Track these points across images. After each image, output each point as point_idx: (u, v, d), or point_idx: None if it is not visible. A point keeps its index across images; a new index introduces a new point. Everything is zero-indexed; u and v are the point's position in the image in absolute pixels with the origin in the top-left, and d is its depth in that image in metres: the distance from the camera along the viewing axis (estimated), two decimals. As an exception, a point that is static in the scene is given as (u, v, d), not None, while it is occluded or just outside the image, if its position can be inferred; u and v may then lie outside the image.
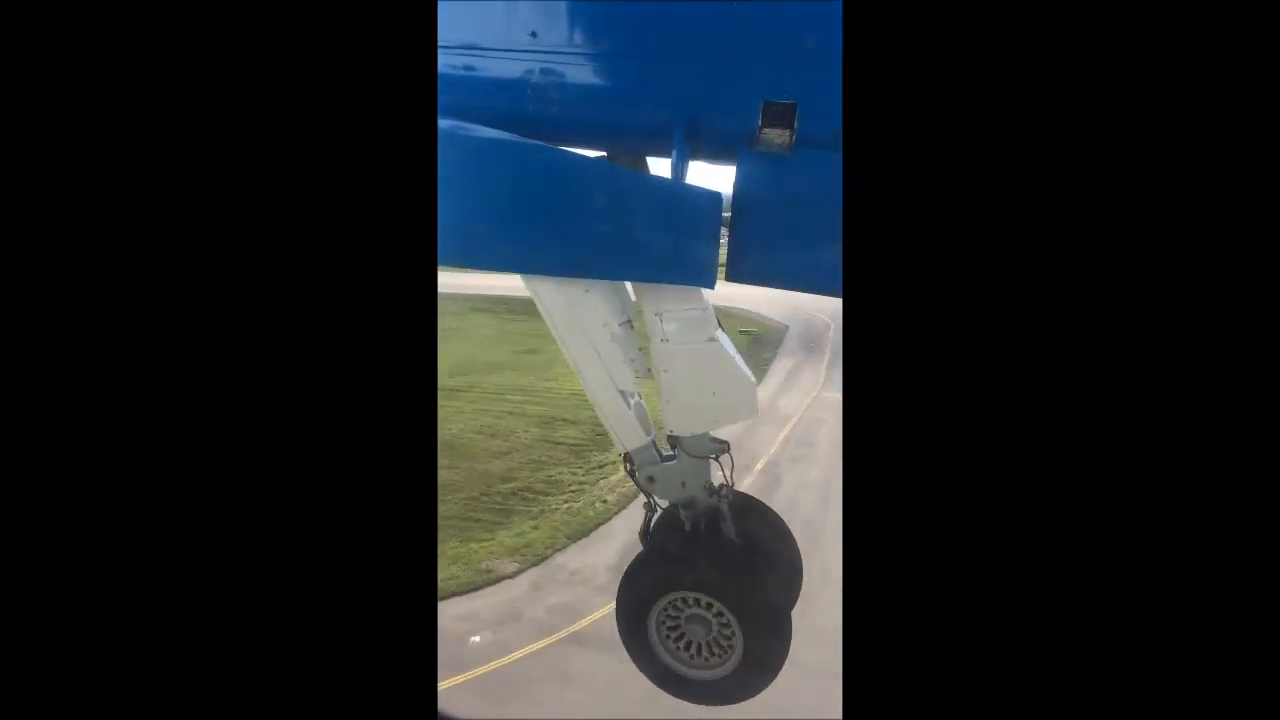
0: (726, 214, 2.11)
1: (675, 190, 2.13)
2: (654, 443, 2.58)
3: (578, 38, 2.15)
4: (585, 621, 10.37)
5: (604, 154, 2.34)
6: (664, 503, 2.73)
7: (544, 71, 2.15)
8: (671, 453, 2.58)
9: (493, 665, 9.59)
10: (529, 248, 2.21)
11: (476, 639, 10.05)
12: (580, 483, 14.81)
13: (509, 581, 11.51)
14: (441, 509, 12.17)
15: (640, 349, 2.41)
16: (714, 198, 2.09)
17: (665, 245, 2.17)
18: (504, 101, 2.19)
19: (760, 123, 2.01)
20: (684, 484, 2.55)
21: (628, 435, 2.53)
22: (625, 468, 2.62)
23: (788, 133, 2.00)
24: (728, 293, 2.52)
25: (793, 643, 2.44)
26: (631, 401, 2.53)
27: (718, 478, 2.60)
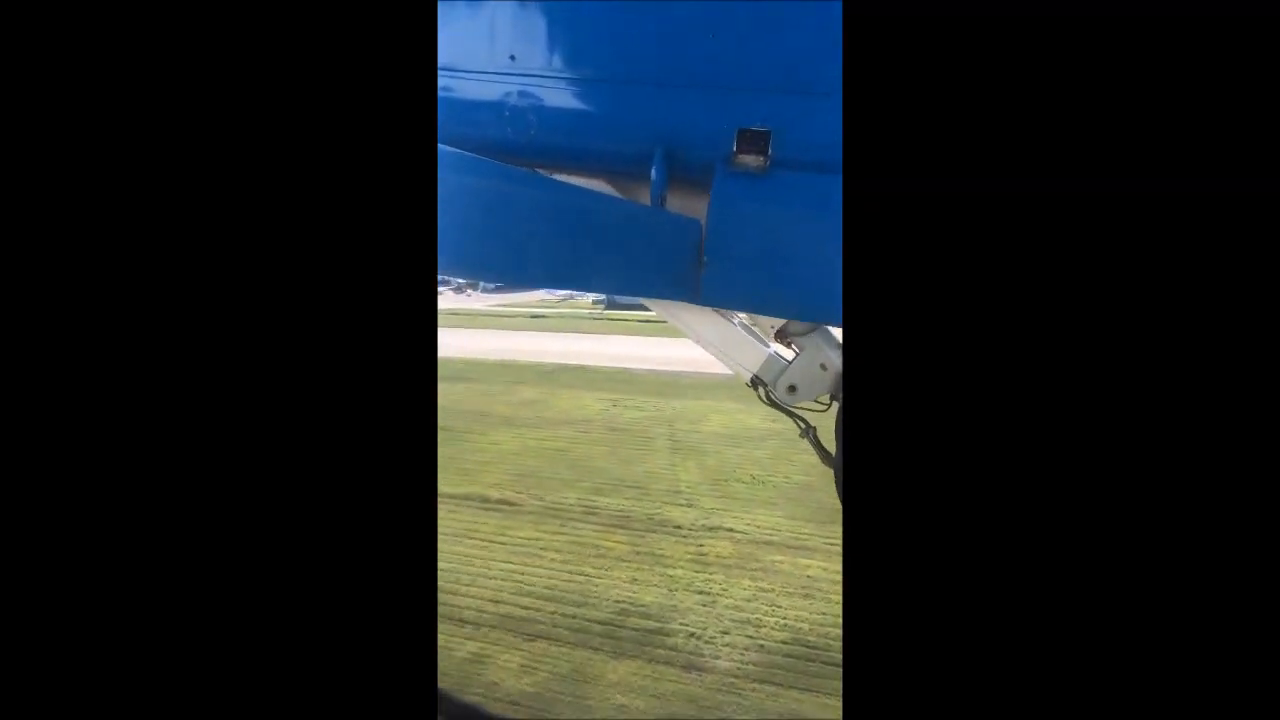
0: None
1: (653, 217, 2.14)
2: (776, 353, 2.45)
3: (556, 62, 2.12)
4: None
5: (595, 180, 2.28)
6: (810, 412, 2.54)
7: (522, 95, 2.14)
8: (792, 353, 2.42)
9: None
10: (509, 263, 2.26)
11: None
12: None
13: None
14: None
15: None
16: (692, 224, 2.09)
17: (645, 267, 2.20)
18: (481, 124, 2.16)
19: (735, 149, 2.01)
20: (824, 365, 2.38)
21: (748, 356, 2.40)
22: (761, 396, 2.44)
23: (762, 159, 2.01)
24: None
25: None
26: (735, 321, 2.45)
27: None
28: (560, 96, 2.19)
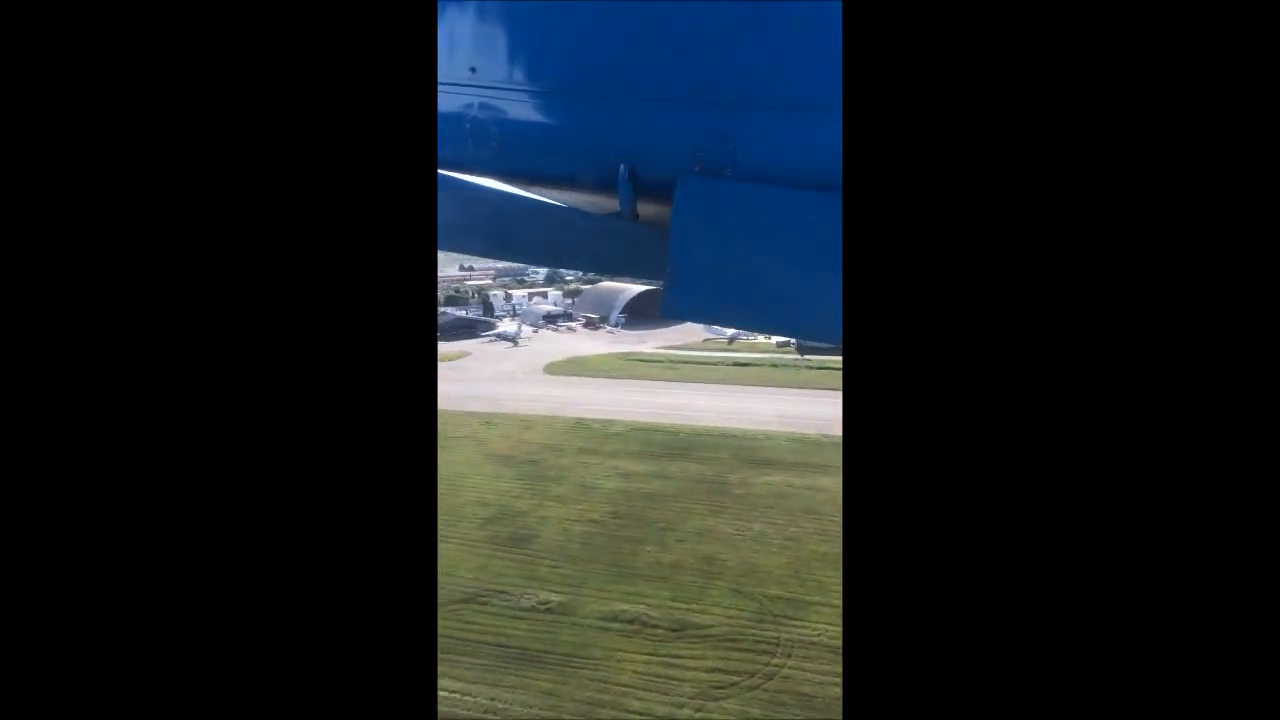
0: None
1: (624, 228, 2.23)
2: None
3: (517, 75, 2.11)
4: None
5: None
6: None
7: (483, 107, 2.11)
8: None
9: None
10: (500, 247, 2.65)
11: None
12: None
13: None
14: None
15: None
16: (656, 233, 2.13)
17: (622, 264, 2.49)
18: (442, 137, 2.06)
19: (695, 163, 1.98)
20: None
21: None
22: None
23: (723, 173, 1.99)
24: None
25: None
26: None
27: None
28: (522, 110, 2.12)
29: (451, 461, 24.37)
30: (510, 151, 2.14)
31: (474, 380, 37.38)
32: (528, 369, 39.84)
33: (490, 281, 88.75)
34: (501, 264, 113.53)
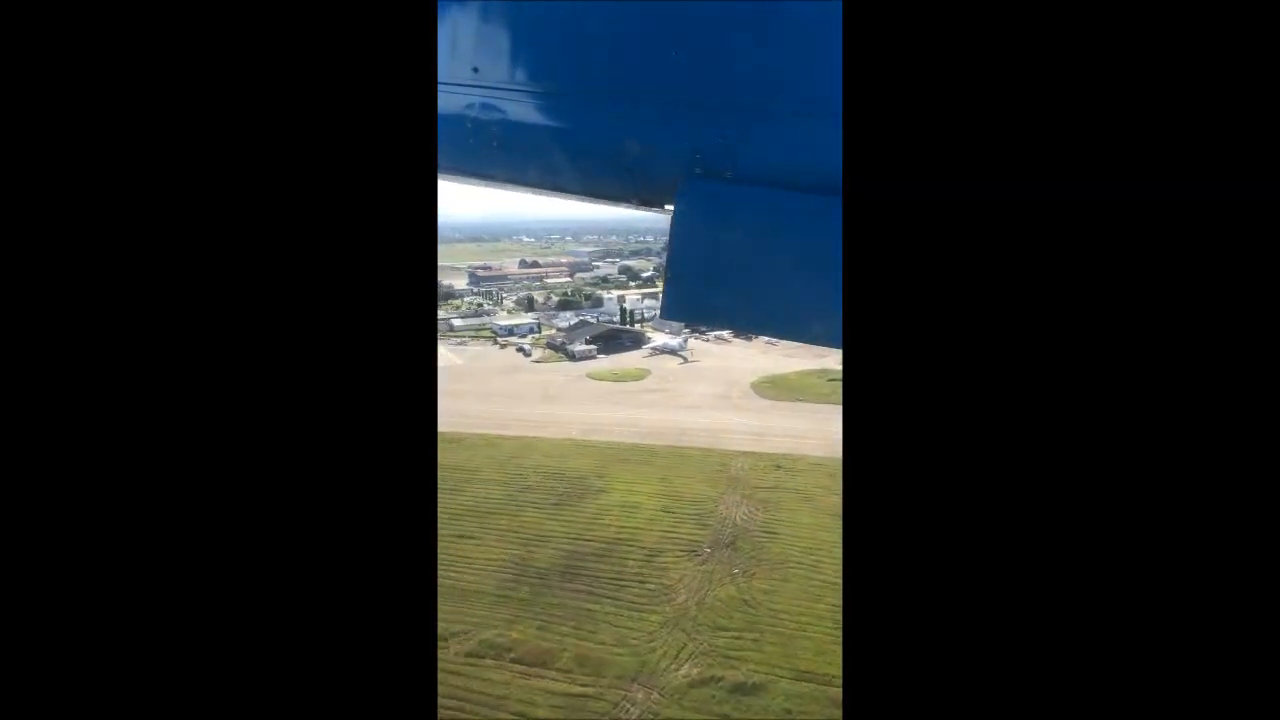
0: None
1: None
2: None
3: (519, 76, 2.09)
4: None
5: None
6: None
7: (484, 108, 2.11)
8: None
9: None
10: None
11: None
12: None
13: None
14: None
15: None
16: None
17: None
18: (444, 137, 2.02)
19: (697, 166, 1.98)
20: None
21: None
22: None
23: (725, 176, 1.99)
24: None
25: None
26: None
27: None
28: (524, 111, 2.07)
29: (798, 524, 21.38)
30: (511, 152, 2.11)
31: (691, 406, 34.19)
32: (737, 391, 36.68)
33: (568, 278, 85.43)
34: (566, 259, 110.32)
